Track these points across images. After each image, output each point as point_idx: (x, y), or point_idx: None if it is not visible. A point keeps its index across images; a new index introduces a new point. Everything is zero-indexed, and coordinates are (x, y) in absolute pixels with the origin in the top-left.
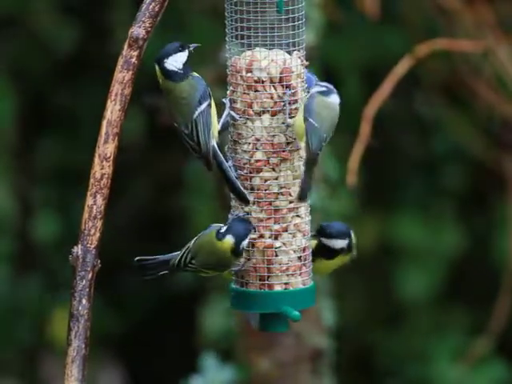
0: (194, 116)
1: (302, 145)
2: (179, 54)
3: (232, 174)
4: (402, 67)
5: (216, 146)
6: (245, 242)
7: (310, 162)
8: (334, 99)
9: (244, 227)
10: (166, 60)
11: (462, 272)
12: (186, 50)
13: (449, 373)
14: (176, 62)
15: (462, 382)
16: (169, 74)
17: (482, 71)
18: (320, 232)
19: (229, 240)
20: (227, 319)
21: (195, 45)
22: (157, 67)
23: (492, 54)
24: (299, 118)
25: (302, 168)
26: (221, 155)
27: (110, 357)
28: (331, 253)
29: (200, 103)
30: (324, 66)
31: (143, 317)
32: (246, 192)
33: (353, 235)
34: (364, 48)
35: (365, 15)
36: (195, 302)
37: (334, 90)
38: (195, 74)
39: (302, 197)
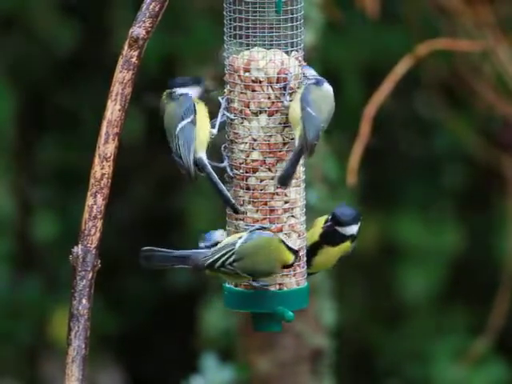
0: (176, 131)
1: (297, 133)
2: (194, 88)
3: (221, 185)
4: (401, 67)
5: (204, 158)
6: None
7: (306, 152)
8: (328, 88)
9: None
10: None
11: (462, 272)
12: (200, 86)
13: (449, 373)
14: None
15: (461, 381)
16: (172, 97)
17: (481, 71)
18: (334, 220)
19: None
20: (227, 319)
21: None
22: (167, 92)
23: (492, 54)
24: (295, 108)
25: (292, 155)
26: (209, 167)
27: (111, 357)
28: (340, 239)
29: (182, 119)
30: (324, 67)
31: (143, 317)
32: (236, 202)
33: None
34: (364, 48)
35: (365, 15)
36: (195, 302)
37: (325, 80)
38: (186, 92)
39: (282, 182)
